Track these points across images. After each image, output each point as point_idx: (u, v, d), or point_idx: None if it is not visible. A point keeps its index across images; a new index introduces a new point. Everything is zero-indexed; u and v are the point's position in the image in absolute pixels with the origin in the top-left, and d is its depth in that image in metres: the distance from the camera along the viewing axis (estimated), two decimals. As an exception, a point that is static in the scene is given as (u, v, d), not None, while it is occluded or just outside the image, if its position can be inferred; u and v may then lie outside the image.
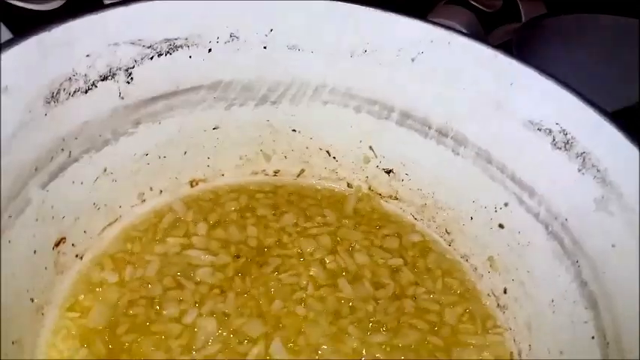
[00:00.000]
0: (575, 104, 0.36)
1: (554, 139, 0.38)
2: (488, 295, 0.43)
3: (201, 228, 0.42)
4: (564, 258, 0.37)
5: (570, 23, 0.53)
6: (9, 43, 0.30)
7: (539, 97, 0.38)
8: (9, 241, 0.31)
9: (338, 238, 0.43)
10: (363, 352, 0.36)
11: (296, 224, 0.43)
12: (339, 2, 0.41)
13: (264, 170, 0.48)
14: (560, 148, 0.37)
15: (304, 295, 0.38)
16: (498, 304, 0.42)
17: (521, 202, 0.40)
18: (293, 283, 0.39)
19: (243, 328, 0.36)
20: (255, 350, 0.34)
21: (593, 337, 0.34)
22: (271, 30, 0.41)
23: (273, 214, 0.44)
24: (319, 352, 0.35)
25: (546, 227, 0.39)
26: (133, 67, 0.37)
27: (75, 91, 0.34)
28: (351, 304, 0.38)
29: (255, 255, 0.40)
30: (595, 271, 0.35)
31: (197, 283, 0.38)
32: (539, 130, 0.38)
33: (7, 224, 0.31)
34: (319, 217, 0.45)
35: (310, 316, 0.37)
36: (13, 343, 0.30)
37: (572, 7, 0.56)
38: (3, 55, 0.29)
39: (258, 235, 0.42)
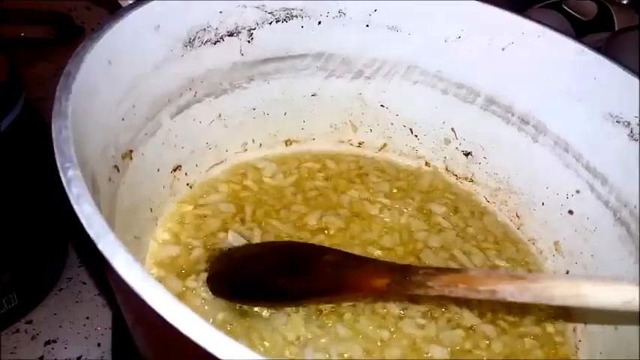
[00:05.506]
0: (656, 98, 0.38)
1: (631, 131, 0.40)
2: (551, 277, 0.45)
3: (293, 182, 0.47)
4: (629, 242, 0.39)
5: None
6: (163, -7, 0.37)
7: (622, 91, 0.40)
8: (142, 154, 0.37)
9: (412, 203, 0.47)
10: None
11: (371, 189, 0.48)
12: (440, -9, 0.45)
13: (349, 140, 0.52)
14: (637, 140, 0.40)
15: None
16: (559, 286, 0.44)
17: (592, 189, 0.43)
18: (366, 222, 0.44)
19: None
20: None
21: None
22: (375, 10, 0.46)
23: (357, 178, 0.48)
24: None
25: (614, 214, 0.41)
26: (255, 29, 0.43)
27: (206, 41, 0.40)
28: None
29: (336, 205, 0.45)
30: (658, 252, 0.37)
31: (285, 219, 0.43)
32: (617, 122, 0.41)
33: (143, 139, 0.37)
34: (398, 190, 0.48)
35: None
36: (135, 237, 0.37)
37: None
38: (157, 1, 0.36)
39: (340, 192, 0.47)
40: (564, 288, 0.27)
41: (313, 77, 0.48)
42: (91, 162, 0.28)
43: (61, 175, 0.22)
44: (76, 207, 0.21)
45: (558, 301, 0.27)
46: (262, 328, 0.36)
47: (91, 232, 0.20)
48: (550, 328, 0.41)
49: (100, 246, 0.20)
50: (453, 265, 0.42)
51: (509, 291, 0.28)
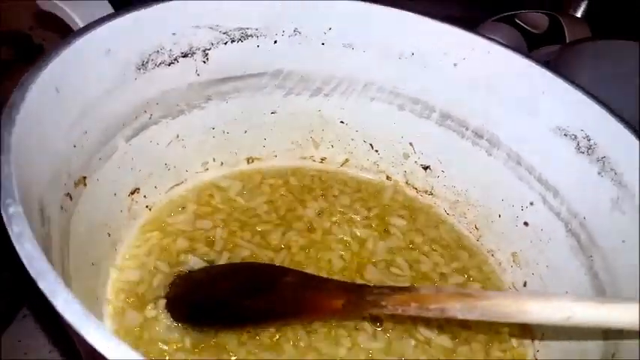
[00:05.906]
0: (599, 113, 0.40)
1: (578, 144, 0.41)
2: (509, 287, 0.46)
3: (256, 199, 0.47)
4: (580, 253, 0.40)
5: (612, 48, 0.56)
6: (112, 16, 0.36)
7: (568, 105, 0.42)
8: (97, 179, 0.37)
9: (373, 217, 0.48)
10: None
11: (333, 204, 0.48)
12: (394, 9, 0.46)
13: (312, 156, 0.53)
14: (583, 153, 0.41)
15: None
16: (517, 296, 0.45)
17: (545, 201, 0.44)
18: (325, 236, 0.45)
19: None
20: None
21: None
22: (330, 29, 0.46)
23: (320, 193, 0.49)
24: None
25: (566, 225, 0.42)
26: (210, 49, 0.43)
27: (160, 63, 0.40)
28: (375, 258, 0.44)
29: (298, 221, 0.46)
30: (606, 263, 0.38)
31: (249, 238, 0.44)
32: (565, 135, 0.42)
33: (97, 165, 0.37)
34: (358, 202, 0.49)
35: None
36: (92, 264, 0.36)
37: (618, 32, 0.59)
38: (107, 25, 0.36)
39: (303, 207, 0.47)
40: (509, 306, 0.28)
41: (272, 95, 0.49)
42: (39, 193, 0.28)
43: (2, 212, 0.22)
44: (17, 245, 0.21)
45: (505, 319, 0.28)
46: (233, 348, 0.36)
47: (32, 271, 0.20)
48: (506, 332, 0.42)
49: (41, 285, 0.20)
50: (400, 273, 0.44)
51: (459, 309, 0.29)
